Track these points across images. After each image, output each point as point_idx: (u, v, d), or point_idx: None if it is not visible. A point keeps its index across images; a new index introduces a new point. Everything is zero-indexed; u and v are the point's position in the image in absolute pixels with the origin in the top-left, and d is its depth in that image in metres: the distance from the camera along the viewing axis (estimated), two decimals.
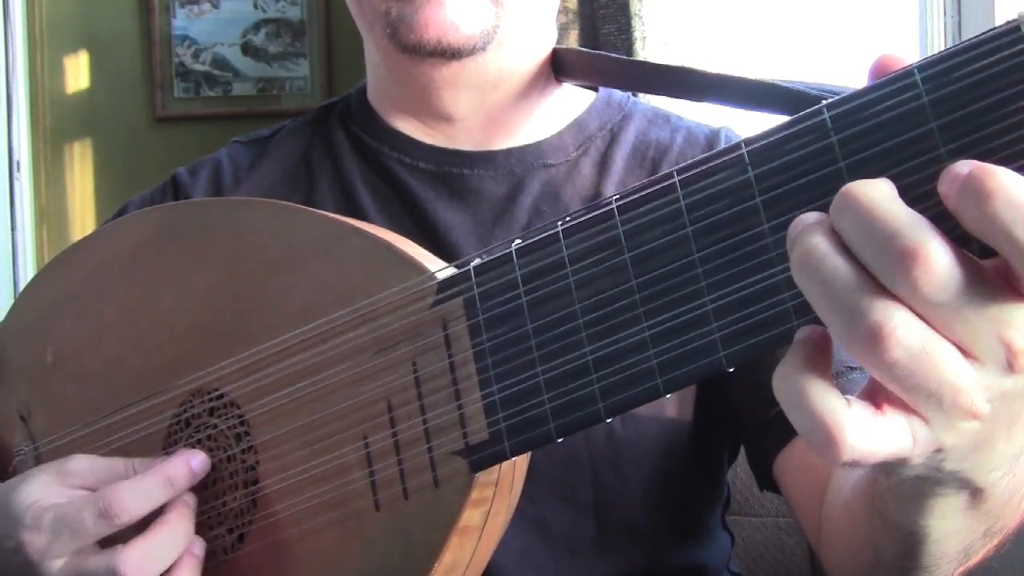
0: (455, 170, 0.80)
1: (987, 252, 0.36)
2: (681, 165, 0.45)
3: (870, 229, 0.35)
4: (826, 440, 0.36)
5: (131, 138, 2.14)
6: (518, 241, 0.50)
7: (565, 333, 0.48)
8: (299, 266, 0.61)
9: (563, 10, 1.56)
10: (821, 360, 0.38)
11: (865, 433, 0.36)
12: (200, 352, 0.63)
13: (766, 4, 1.70)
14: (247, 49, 2.14)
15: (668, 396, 0.46)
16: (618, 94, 0.86)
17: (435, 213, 0.78)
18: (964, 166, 0.35)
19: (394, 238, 0.60)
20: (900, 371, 0.35)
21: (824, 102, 0.41)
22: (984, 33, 0.37)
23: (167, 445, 0.63)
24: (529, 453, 0.55)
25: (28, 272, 2.03)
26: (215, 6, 2.13)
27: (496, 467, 0.53)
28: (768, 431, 0.72)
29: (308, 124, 0.88)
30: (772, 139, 0.42)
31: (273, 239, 0.62)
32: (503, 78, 0.79)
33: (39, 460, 0.69)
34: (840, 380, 0.66)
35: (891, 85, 0.39)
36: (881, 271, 0.35)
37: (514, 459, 0.52)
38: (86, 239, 0.74)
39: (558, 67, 0.83)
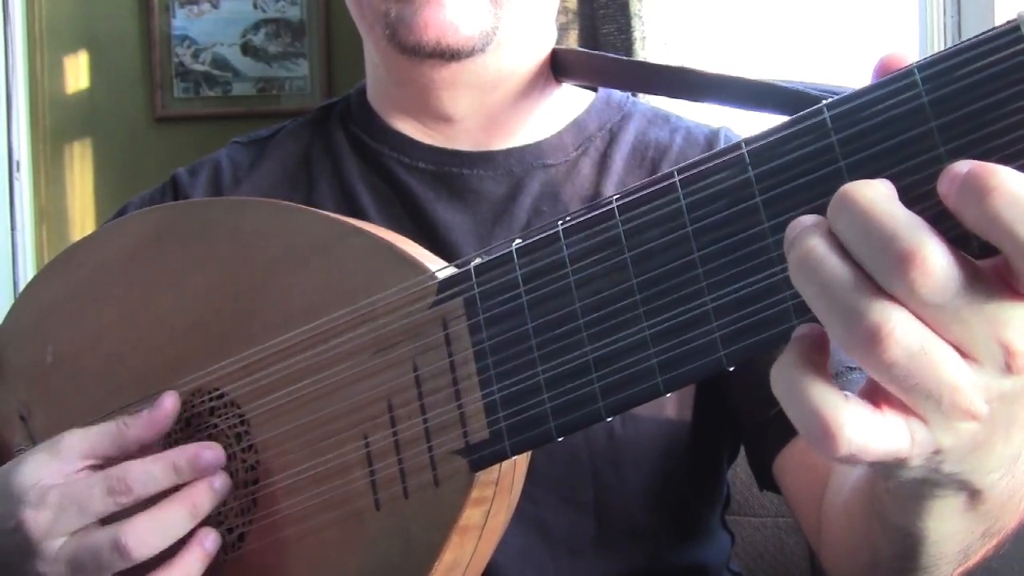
0: (455, 170, 0.80)
1: (986, 252, 0.36)
2: (681, 165, 0.45)
3: (867, 231, 0.35)
4: (823, 433, 0.36)
5: (131, 138, 2.14)
6: (518, 241, 0.50)
7: (565, 333, 0.48)
8: (299, 266, 0.61)
9: (563, 10, 1.56)
10: (818, 356, 0.38)
11: (862, 427, 0.36)
12: (200, 352, 0.63)
13: (766, 4, 1.70)
14: (247, 49, 2.14)
15: (668, 396, 0.46)
16: (617, 94, 0.86)
17: (435, 213, 0.78)
18: (963, 165, 0.35)
19: (394, 238, 0.60)
20: (899, 371, 0.35)
21: (824, 102, 0.41)
22: (984, 33, 0.37)
23: (167, 445, 0.63)
24: (529, 452, 0.55)
25: (28, 272, 2.03)
26: (215, 6, 2.13)
27: (496, 466, 0.53)
28: (767, 431, 0.72)
29: (308, 124, 0.88)
30: (772, 139, 0.42)
31: (273, 239, 0.63)
32: (502, 79, 0.79)
33: None
34: (839, 381, 0.65)
35: (891, 85, 0.39)
36: (878, 273, 0.35)
37: (514, 458, 0.52)
38: (86, 239, 0.74)
39: (557, 67, 0.83)
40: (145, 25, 2.13)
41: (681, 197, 0.45)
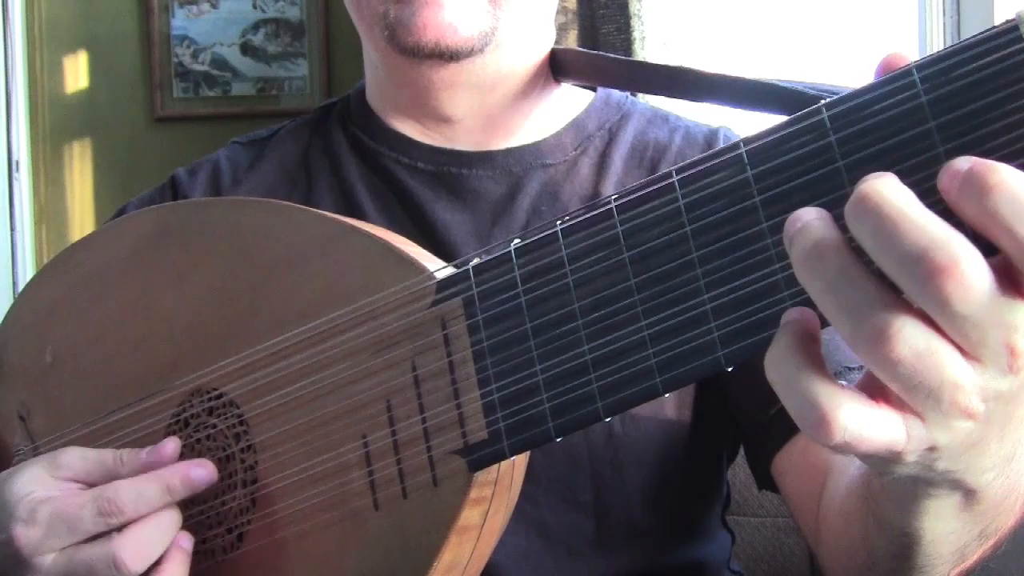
0: (454, 170, 0.80)
1: (986, 253, 0.36)
2: (680, 164, 0.45)
3: (896, 240, 0.34)
4: (819, 419, 0.36)
5: (130, 138, 2.14)
6: (517, 241, 0.50)
7: (564, 332, 0.48)
8: (298, 266, 0.61)
9: (562, 10, 1.56)
10: (811, 341, 0.38)
11: (857, 415, 0.36)
12: (199, 352, 0.63)
13: (766, 4, 1.70)
14: (246, 49, 2.14)
15: (667, 396, 0.46)
16: (616, 94, 0.86)
17: (434, 213, 0.78)
18: (964, 162, 0.35)
19: (393, 238, 0.60)
20: (904, 369, 0.35)
21: (822, 102, 0.41)
22: (982, 32, 0.37)
23: None
24: (528, 452, 0.55)
25: (27, 272, 2.03)
26: (214, 6, 2.13)
27: (495, 466, 0.53)
28: (767, 431, 0.72)
29: (307, 125, 0.88)
30: (771, 139, 0.42)
31: (272, 239, 0.63)
32: (502, 79, 0.79)
33: None
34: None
35: (890, 84, 0.39)
36: (905, 282, 0.35)
37: (513, 458, 0.52)
38: (85, 239, 0.74)
39: (557, 67, 0.83)
40: (144, 25, 2.13)
41: (679, 197, 0.45)
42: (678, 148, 0.81)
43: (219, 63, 2.14)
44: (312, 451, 0.57)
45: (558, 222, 0.49)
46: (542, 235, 0.49)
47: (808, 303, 0.39)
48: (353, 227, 0.60)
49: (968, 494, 0.44)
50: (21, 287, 1.94)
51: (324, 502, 0.57)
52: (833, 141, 0.40)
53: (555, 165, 0.80)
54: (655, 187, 0.45)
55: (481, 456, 0.51)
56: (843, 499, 0.60)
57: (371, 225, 0.63)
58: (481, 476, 0.52)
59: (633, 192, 0.46)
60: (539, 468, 0.70)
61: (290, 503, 0.58)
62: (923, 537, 0.49)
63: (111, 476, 0.60)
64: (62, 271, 0.74)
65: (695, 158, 0.44)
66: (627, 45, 1.51)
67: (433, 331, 0.53)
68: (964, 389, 0.36)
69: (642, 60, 1.46)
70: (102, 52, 2.14)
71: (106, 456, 0.61)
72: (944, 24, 1.51)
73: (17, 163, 2.03)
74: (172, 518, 0.59)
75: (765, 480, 0.76)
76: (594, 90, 0.86)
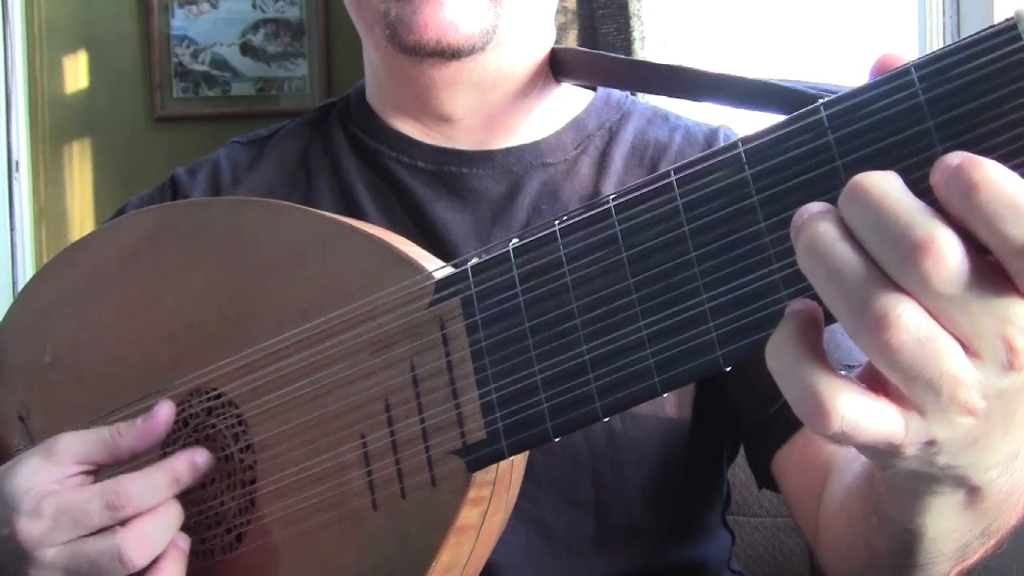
0: (454, 170, 0.80)
1: (983, 249, 0.36)
2: (678, 164, 0.45)
3: (880, 220, 0.35)
4: (817, 407, 0.36)
5: (130, 138, 2.14)
6: (515, 240, 0.50)
7: (562, 332, 0.48)
8: (297, 266, 0.61)
9: (562, 10, 1.56)
10: (813, 331, 0.38)
11: (856, 404, 0.36)
12: (198, 352, 0.63)
13: (766, 4, 1.70)
14: (246, 49, 2.14)
15: (666, 395, 0.46)
16: (617, 93, 0.86)
17: (434, 213, 0.78)
18: (955, 157, 0.35)
19: (392, 237, 0.60)
20: (904, 358, 0.35)
21: (820, 101, 0.41)
22: (981, 31, 0.37)
23: (165, 445, 0.63)
24: (527, 452, 0.55)
25: (27, 272, 2.03)
26: (214, 6, 2.13)
27: (494, 466, 0.53)
28: (767, 429, 0.72)
29: (307, 124, 0.88)
30: (769, 138, 0.42)
31: (272, 239, 0.63)
32: (502, 78, 0.79)
33: None
34: None
35: (888, 83, 0.39)
36: (890, 262, 0.35)
37: (512, 458, 0.52)
38: (85, 239, 0.74)
39: (557, 67, 0.83)
40: (144, 25, 2.13)
41: (678, 196, 0.44)
42: (678, 147, 0.81)
43: (219, 63, 2.14)
44: (311, 451, 0.57)
45: (556, 222, 0.49)
46: (540, 235, 0.49)
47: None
48: (352, 227, 0.60)
49: (972, 491, 0.44)
50: (21, 287, 1.94)
51: (323, 502, 0.57)
52: (831, 140, 0.40)
53: (555, 164, 0.80)
54: (653, 187, 0.45)
55: (480, 456, 0.51)
56: (845, 496, 0.60)
57: (370, 225, 0.63)
58: (480, 476, 0.52)
59: (631, 192, 0.46)
60: (539, 467, 0.70)
61: (289, 503, 0.58)
62: (925, 535, 0.49)
63: (112, 451, 0.60)
64: (61, 271, 0.74)
65: (693, 157, 0.44)
66: (627, 45, 1.51)
67: (432, 331, 0.53)
68: (964, 384, 0.36)
69: (642, 60, 1.46)
70: (102, 52, 2.14)
71: (103, 432, 0.61)
72: (944, 24, 1.51)
73: (17, 163, 2.03)
74: (175, 512, 0.59)
75: (765, 479, 0.76)
76: (594, 89, 0.86)
